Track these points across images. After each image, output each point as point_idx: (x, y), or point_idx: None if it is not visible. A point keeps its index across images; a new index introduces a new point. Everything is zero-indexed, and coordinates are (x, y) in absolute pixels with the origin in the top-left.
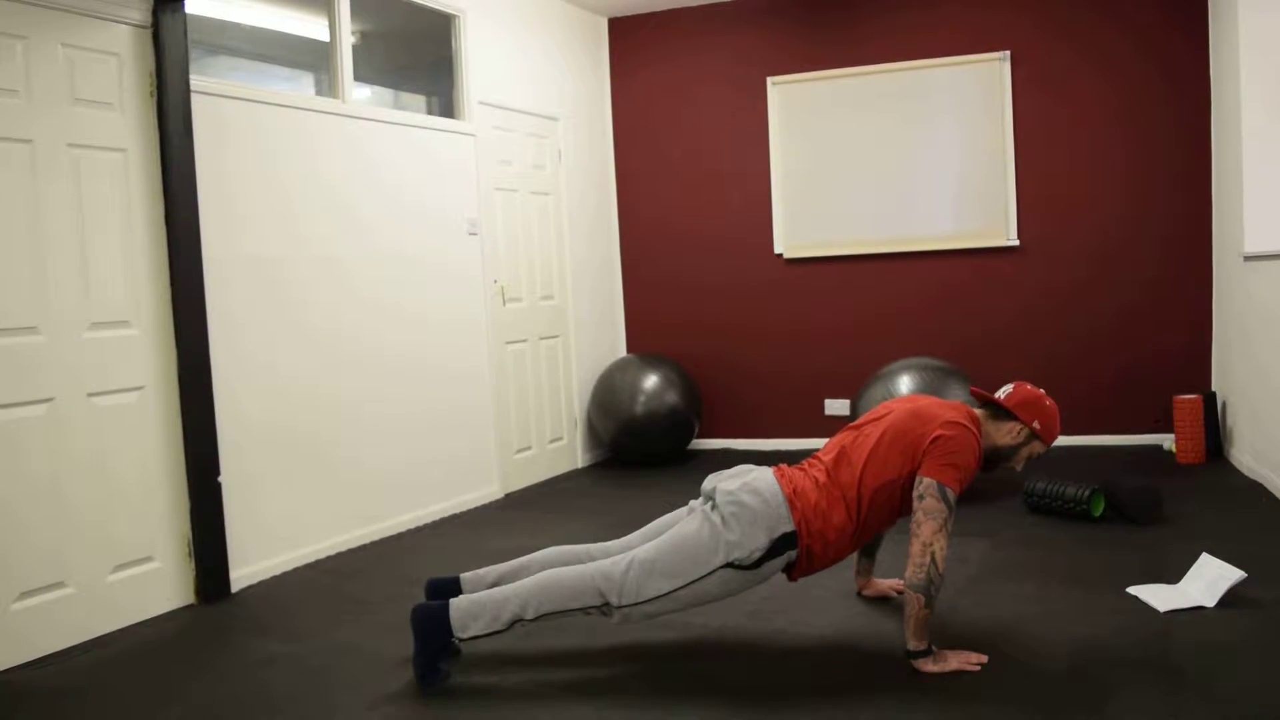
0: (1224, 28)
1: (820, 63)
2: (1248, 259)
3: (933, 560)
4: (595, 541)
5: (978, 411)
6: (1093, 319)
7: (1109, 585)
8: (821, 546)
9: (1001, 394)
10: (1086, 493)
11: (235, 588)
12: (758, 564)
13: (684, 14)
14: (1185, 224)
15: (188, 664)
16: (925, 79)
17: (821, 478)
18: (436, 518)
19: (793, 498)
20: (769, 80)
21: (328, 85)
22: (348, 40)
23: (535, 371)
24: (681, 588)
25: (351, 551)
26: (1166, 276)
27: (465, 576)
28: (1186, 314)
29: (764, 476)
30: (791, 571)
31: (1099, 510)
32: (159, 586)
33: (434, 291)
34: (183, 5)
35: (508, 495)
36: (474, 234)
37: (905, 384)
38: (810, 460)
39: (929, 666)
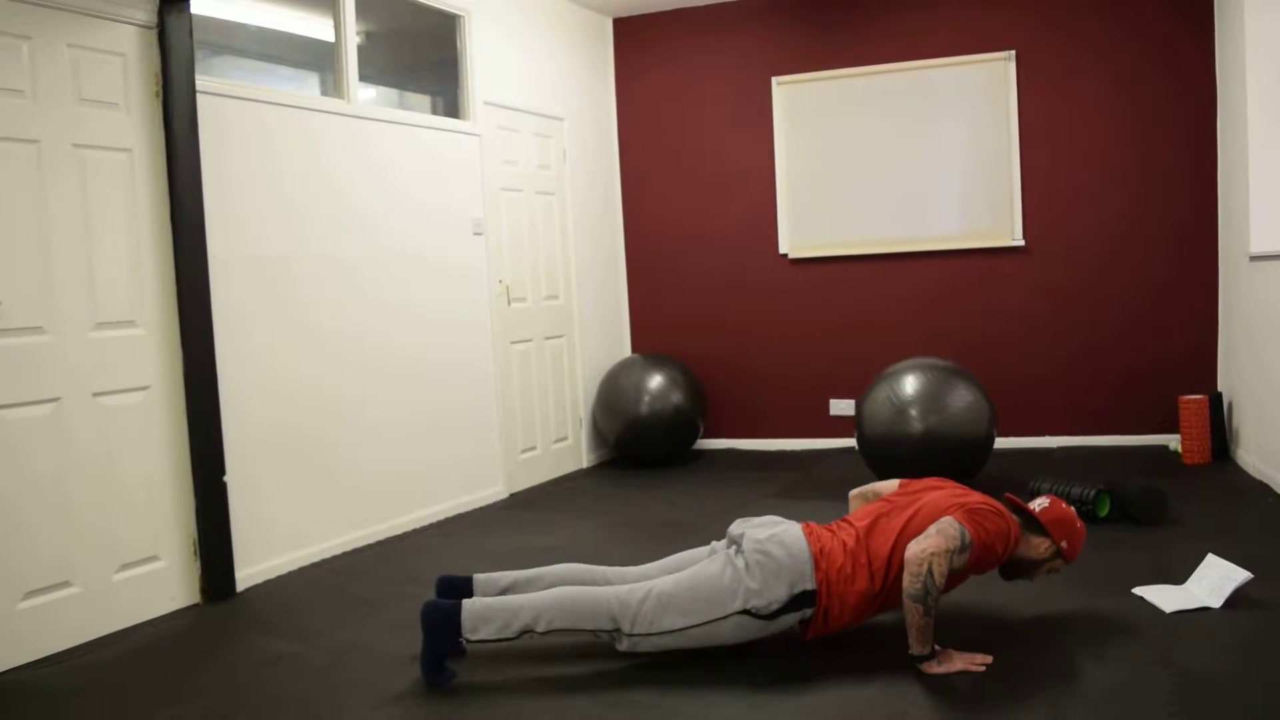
0: (1230, 27)
1: (825, 63)
2: (1253, 259)
3: (929, 573)
4: (601, 541)
5: (1015, 518)
6: (1098, 319)
7: (1114, 586)
8: (840, 609)
9: (1036, 506)
10: (1092, 493)
11: (240, 587)
12: (774, 615)
13: (689, 14)
14: (1191, 224)
15: (193, 663)
16: (930, 79)
17: (850, 542)
18: (441, 518)
19: (819, 557)
20: (774, 80)
21: (333, 85)
22: (353, 40)
23: (540, 371)
24: (695, 626)
25: (357, 551)
26: (1172, 276)
27: (478, 578)
28: (1192, 314)
29: (793, 531)
30: (806, 630)
31: (1104, 511)
32: (164, 586)
33: (439, 291)
34: (188, 5)
35: (513, 495)
36: (479, 234)
37: (910, 384)
38: (840, 523)
39: (934, 668)
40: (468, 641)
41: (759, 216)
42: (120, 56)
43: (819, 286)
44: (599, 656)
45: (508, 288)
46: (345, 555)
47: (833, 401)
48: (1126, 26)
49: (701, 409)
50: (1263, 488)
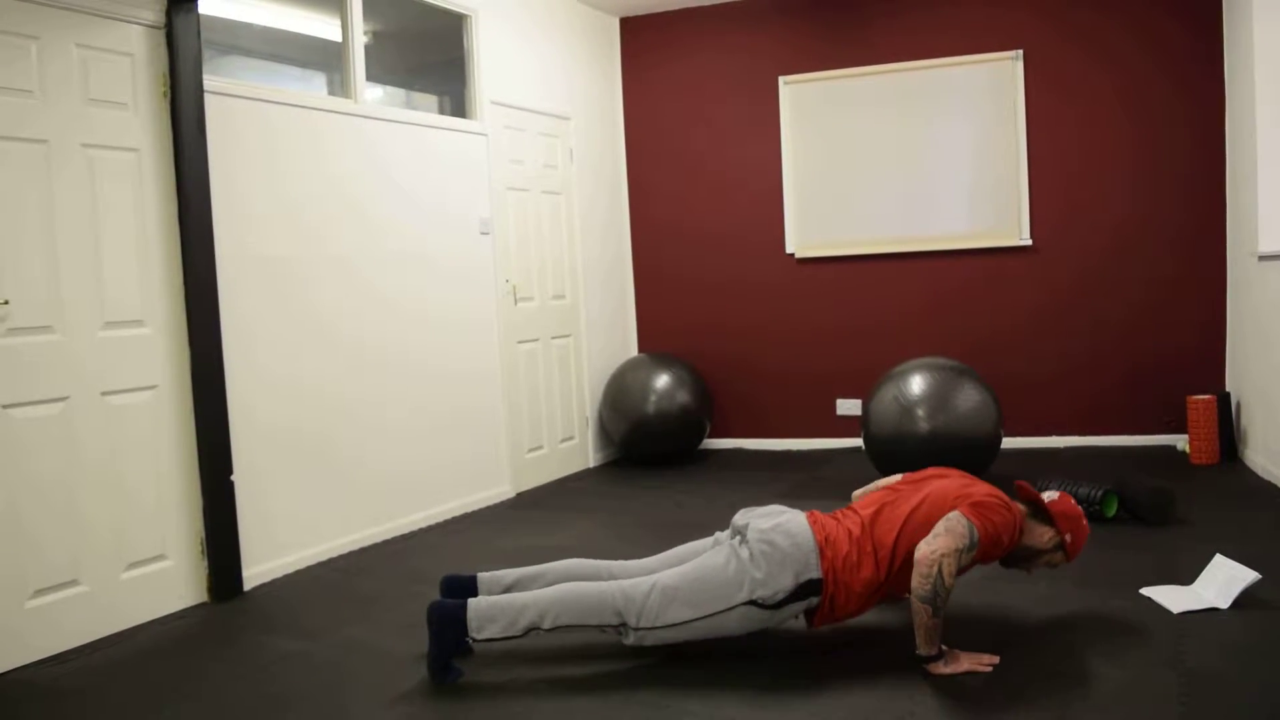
0: (1238, 26)
1: (832, 62)
2: (1262, 259)
3: (940, 574)
4: (607, 540)
5: (1020, 507)
6: (1106, 319)
7: (1122, 586)
8: (845, 597)
9: (1046, 497)
10: (1099, 493)
11: (247, 586)
12: (780, 605)
13: (695, 13)
14: (1199, 223)
15: (199, 662)
16: (938, 78)
17: (855, 530)
18: (448, 517)
19: (824, 546)
20: (781, 79)
21: (340, 85)
22: (360, 40)
23: (546, 371)
24: (701, 619)
25: (363, 550)
26: (1180, 276)
27: (482, 576)
28: (1200, 314)
29: (797, 520)
30: (813, 618)
31: (1112, 511)
32: (172, 585)
33: (446, 291)
34: (196, 5)
35: (519, 495)
36: (485, 233)
37: (917, 384)
38: (844, 511)
39: (940, 669)
40: (474, 640)
41: (766, 216)
42: (128, 56)
43: (826, 286)
44: (606, 656)
45: (514, 287)
46: (352, 554)
47: (839, 401)
48: (1134, 26)
49: (708, 409)
50: (1271, 488)
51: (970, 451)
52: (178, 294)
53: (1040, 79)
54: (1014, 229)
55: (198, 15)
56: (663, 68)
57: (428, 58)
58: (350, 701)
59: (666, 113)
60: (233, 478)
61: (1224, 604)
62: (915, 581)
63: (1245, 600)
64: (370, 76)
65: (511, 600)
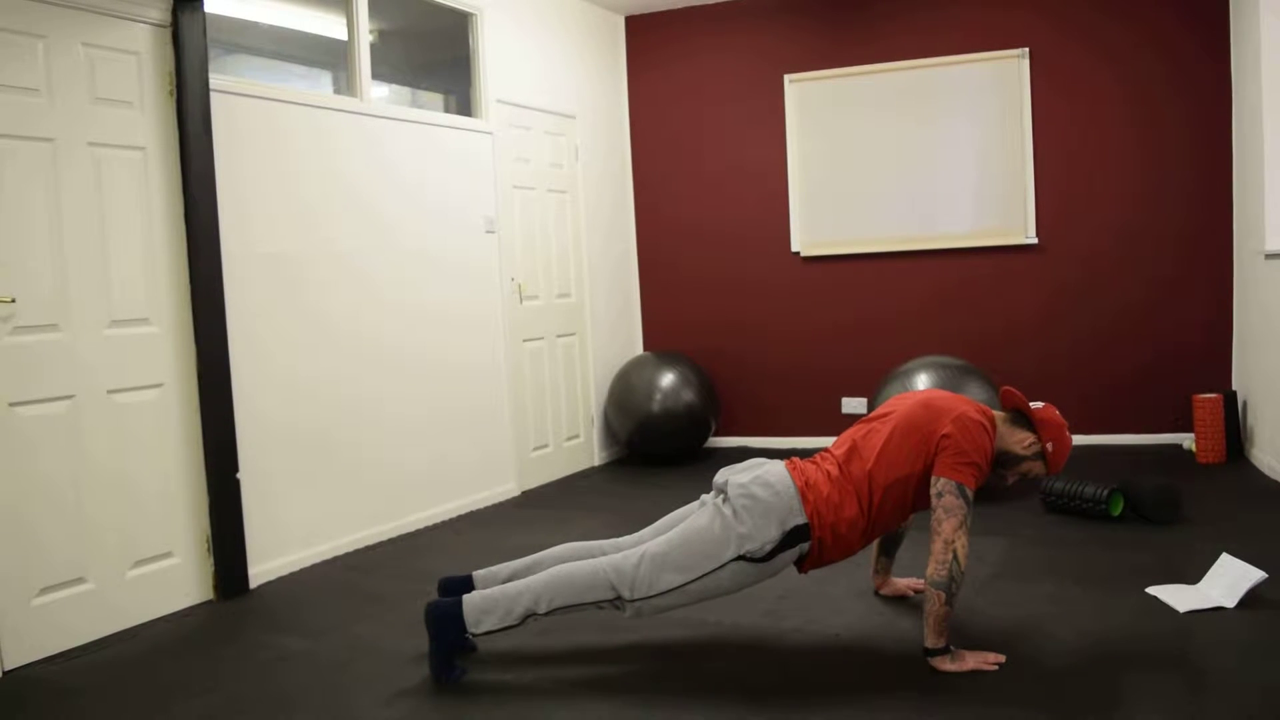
0: (1245, 25)
1: (838, 60)
2: (1269, 257)
3: (955, 558)
4: (612, 539)
5: (997, 414)
6: (1112, 317)
7: (1128, 585)
8: (833, 539)
9: (1031, 405)
10: (1105, 492)
11: (253, 584)
12: (769, 556)
13: (701, 11)
14: (1205, 222)
15: (205, 660)
16: (944, 76)
17: (834, 471)
18: (453, 515)
19: (805, 490)
20: (786, 78)
21: (346, 84)
22: (366, 39)
23: (552, 369)
24: (693, 581)
25: (369, 548)
26: (1186, 274)
27: (478, 574)
28: (1206, 312)
29: (776, 469)
30: (802, 564)
31: (1118, 510)
32: (178, 582)
33: (451, 289)
34: (202, 4)
35: (524, 493)
36: (491, 232)
37: (923, 382)
38: (822, 454)
39: (946, 665)
40: (474, 636)
41: (771, 214)
42: (134, 55)
43: (831, 284)
44: (608, 655)
45: (520, 285)
46: (358, 552)
47: (845, 400)
48: (1140, 25)
49: (713, 407)
50: (1278, 487)
51: None
52: (184, 292)
53: (1046, 78)
54: (1020, 227)
55: (204, 14)
56: (668, 66)
57: (433, 56)
58: (354, 699)
59: (672, 111)
60: (238, 476)
61: (1231, 603)
62: (930, 569)
63: (1252, 599)
64: (376, 75)
65: (505, 590)
